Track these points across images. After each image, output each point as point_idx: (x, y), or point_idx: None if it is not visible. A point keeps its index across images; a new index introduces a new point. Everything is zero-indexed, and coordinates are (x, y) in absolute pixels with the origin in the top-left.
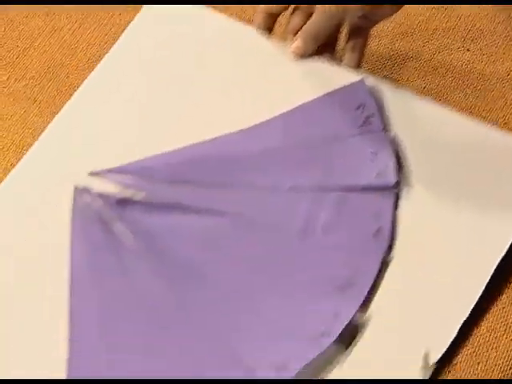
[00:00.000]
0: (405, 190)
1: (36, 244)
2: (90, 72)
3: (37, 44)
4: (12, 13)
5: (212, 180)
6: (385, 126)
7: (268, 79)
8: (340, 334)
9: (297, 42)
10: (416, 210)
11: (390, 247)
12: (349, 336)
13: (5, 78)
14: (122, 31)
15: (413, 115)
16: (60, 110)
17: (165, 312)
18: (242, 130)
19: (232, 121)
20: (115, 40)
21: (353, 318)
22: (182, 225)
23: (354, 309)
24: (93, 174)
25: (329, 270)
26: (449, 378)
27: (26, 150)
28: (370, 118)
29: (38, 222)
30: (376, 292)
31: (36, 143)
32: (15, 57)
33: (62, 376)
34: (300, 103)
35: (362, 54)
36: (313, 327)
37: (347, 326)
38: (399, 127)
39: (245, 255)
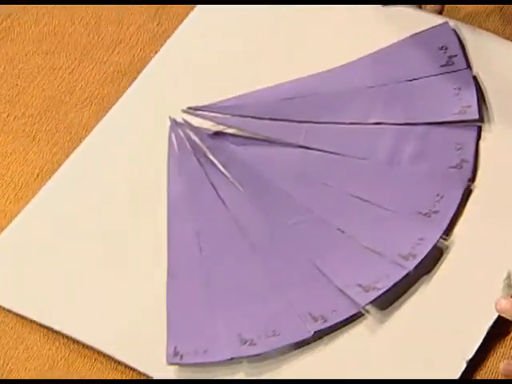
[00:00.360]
0: (487, 124)
1: (136, 176)
2: (89, 110)
3: (36, 82)
4: (12, 51)
5: (300, 116)
6: (467, 66)
7: (354, 24)
8: (424, 257)
9: None
10: (498, 143)
11: (473, 177)
12: (433, 259)
13: (4, 115)
14: (121, 70)
15: (494, 55)
16: (58, 147)
17: (260, 236)
18: (329, 70)
19: (320, 62)
20: (114, 78)
21: (437, 242)
22: (274, 157)
23: (438, 234)
24: (186, 111)
25: (415, 198)
26: None
27: (25, 188)
28: (453, 58)
29: (137, 155)
30: (459, 219)
31: (133, 85)
32: (15, 95)
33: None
34: (385, 45)
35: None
36: (399, 250)
37: (432, 249)
38: (480, 67)
39: (334, 184)
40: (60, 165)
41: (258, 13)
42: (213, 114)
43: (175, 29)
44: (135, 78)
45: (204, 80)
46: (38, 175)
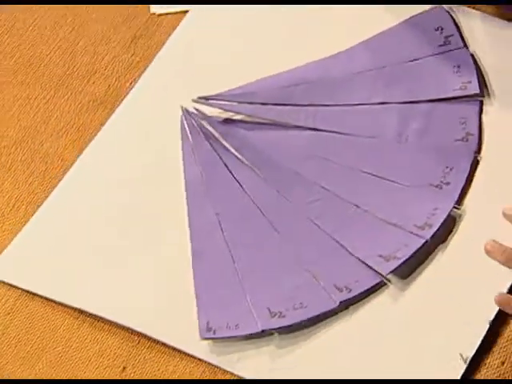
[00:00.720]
0: (487, 98)
1: (152, 162)
2: (65, 140)
3: (12, 113)
4: None
5: (306, 101)
6: (464, 44)
7: (351, 12)
8: (440, 226)
9: None
10: (499, 116)
11: (479, 149)
12: (447, 228)
13: None
14: (96, 100)
15: (488, 33)
16: (34, 177)
17: (278, 216)
18: (330, 56)
19: (320, 49)
20: (89, 108)
21: (450, 211)
22: (284, 140)
23: (451, 204)
24: (196, 100)
25: (425, 171)
26: None
27: (1, 218)
28: (450, 38)
29: (152, 144)
30: (469, 189)
31: (143, 75)
32: None
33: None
34: (382, 30)
35: None
36: (415, 220)
37: (446, 218)
38: (476, 45)
39: (346, 163)
40: (36, 194)
41: (249, 12)
42: (222, 102)
43: (151, 59)
44: (111, 107)
45: (206, 80)
46: (13, 205)
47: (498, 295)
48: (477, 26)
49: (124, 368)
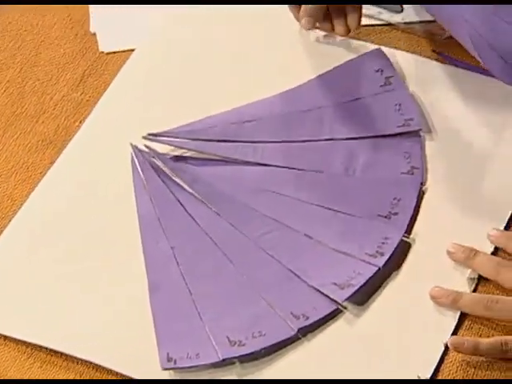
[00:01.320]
0: (427, 133)
1: (104, 199)
2: (14, 180)
3: None
4: None
5: (255, 137)
6: (403, 84)
7: (292, 55)
8: (392, 254)
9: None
10: (440, 148)
11: (424, 180)
12: (399, 256)
13: None
14: (46, 139)
15: (424, 75)
16: None
17: (232, 248)
18: (278, 94)
19: (267, 87)
20: (38, 148)
21: (400, 240)
22: (235, 175)
23: (400, 233)
24: (146, 137)
25: (374, 202)
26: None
27: None
28: (390, 79)
29: (102, 181)
30: (417, 218)
31: (92, 114)
32: None
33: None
34: (326, 70)
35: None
36: (367, 249)
37: (397, 246)
38: (414, 85)
39: (296, 196)
40: None
41: (194, 50)
42: (171, 139)
43: (100, 97)
44: (60, 147)
45: (154, 116)
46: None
47: (451, 339)
48: (413, 67)
49: None
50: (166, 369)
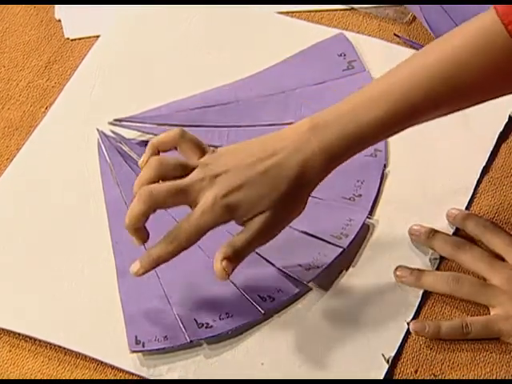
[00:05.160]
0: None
1: (71, 184)
2: None
3: None
4: None
5: (222, 122)
6: (366, 68)
7: (256, 41)
8: (355, 235)
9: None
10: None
11: (387, 162)
12: (362, 237)
13: None
14: (12, 126)
15: (386, 59)
16: None
17: None
18: (243, 79)
19: (232, 72)
20: (5, 134)
21: (364, 221)
22: None
23: (364, 214)
24: (112, 122)
25: (337, 186)
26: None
27: None
28: (353, 63)
29: (69, 167)
30: (380, 200)
31: (57, 100)
32: None
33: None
34: (290, 55)
35: None
36: (332, 231)
37: (361, 228)
38: (376, 69)
39: None
40: None
41: (160, 36)
42: (137, 124)
43: (65, 84)
44: (26, 133)
45: (120, 102)
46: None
47: (412, 323)
48: (376, 51)
49: None
50: (133, 351)
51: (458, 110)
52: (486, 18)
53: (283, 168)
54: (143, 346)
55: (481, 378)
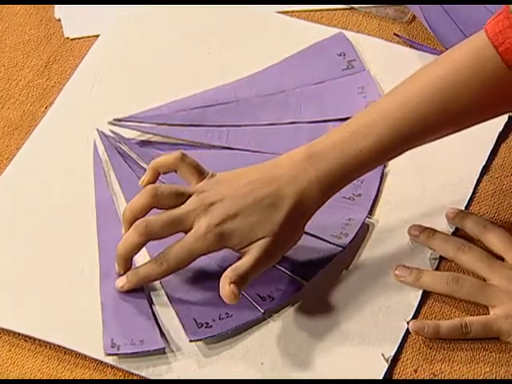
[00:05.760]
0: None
1: (67, 184)
2: None
3: None
4: None
5: (221, 121)
6: (366, 67)
7: (256, 40)
8: (355, 235)
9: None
10: None
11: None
12: (362, 236)
13: None
14: (12, 125)
15: (385, 57)
16: None
17: None
18: (243, 79)
19: (231, 72)
20: (4, 134)
21: (364, 221)
22: (200, 158)
23: (363, 214)
24: (111, 122)
25: None
26: None
27: None
28: (352, 62)
29: (67, 167)
30: (379, 200)
31: (57, 99)
32: None
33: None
34: (289, 55)
35: None
36: (332, 230)
37: (360, 227)
38: (376, 68)
39: None
40: None
41: (160, 35)
42: (137, 124)
43: (65, 83)
44: (26, 132)
45: (120, 102)
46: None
47: (412, 323)
48: (375, 51)
49: None
50: (108, 354)
51: (452, 133)
52: (477, 41)
53: (279, 197)
54: (118, 350)
55: (480, 378)
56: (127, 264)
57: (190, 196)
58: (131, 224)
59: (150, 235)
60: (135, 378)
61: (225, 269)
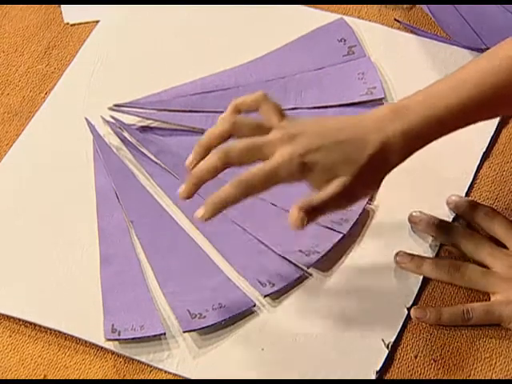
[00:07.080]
0: (390, 101)
1: (69, 171)
2: None
3: None
4: None
5: (221, 107)
6: (366, 53)
7: (256, 26)
8: (355, 221)
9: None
10: None
11: None
12: (362, 222)
13: None
14: (12, 111)
15: (386, 44)
16: None
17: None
18: (243, 65)
19: (231, 58)
20: (4, 120)
21: (364, 207)
22: None
23: (364, 200)
24: (111, 108)
25: None
26: None
27: None
28: (353, 48)
29: (67, 153)
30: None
31: (57, 85)
32: None
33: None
34: (289, 40)
35: None
36: (333, 216)
37: (361, 213)
38: (377, 54)
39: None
40: None
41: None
42: (137, 110)
43: (65, 69)
44: (26, 118)
45: (120, 88)
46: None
47: (413, 310)
48: (376, 36)
49: (45, 376)
50: (109, 339)
51: None
52: None
53: (364, 142)
54: (119, 335)
55: (480, 364)
56: (198, 187)
57: (269, 130)
58: (205, 151)
59: (230, 159)
60: (135, 365)
61: (227, 256)
